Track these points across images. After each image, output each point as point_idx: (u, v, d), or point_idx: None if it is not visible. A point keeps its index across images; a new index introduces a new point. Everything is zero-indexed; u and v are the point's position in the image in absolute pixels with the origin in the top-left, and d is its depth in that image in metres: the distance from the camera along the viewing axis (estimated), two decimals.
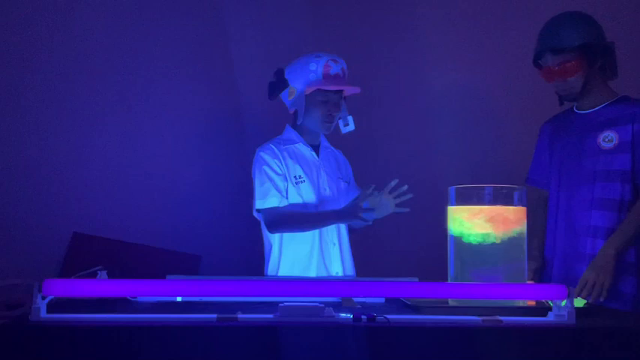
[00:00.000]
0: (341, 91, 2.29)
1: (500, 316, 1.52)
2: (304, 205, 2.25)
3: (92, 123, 2.88)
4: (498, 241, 1.68)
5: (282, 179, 2.24)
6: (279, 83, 2.30)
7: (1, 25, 2.83)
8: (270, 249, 2.29)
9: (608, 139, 2.08)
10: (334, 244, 2.29)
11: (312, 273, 2.24)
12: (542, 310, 1.57)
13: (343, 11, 3.04)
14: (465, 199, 1.75)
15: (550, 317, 1.53)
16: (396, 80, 3.00)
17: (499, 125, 2.97)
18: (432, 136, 3.01)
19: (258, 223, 2.36)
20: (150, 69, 2.92)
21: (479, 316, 1.51)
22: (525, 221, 1.75)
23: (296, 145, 2.32)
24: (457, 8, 3.07)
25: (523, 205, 1.75)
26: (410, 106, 3.03)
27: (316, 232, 2.25)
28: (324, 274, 2.25)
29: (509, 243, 1.68)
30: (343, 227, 2.34)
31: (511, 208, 1.71)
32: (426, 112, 3.02)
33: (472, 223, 1.70)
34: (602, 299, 1.99)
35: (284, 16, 2.99)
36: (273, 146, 2.29)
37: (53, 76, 2.85)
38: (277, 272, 2.25)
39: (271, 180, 2.22)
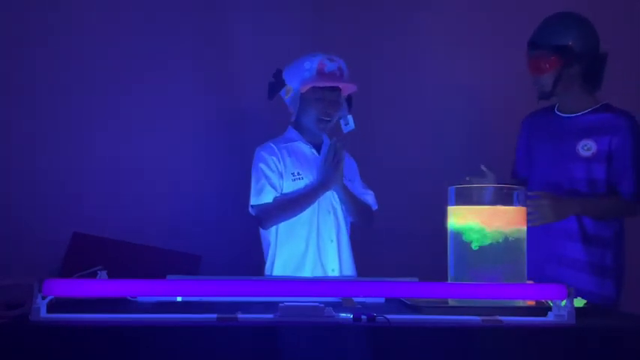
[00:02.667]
0: (338, 89, 2.30)
1: (500, 316, 1.52)
2: None
3: (92, 123, 2.88)
4: (498, 241, 1.68)
5: (278, 176, 2.25)
6: (276, 83, 2.33)
7: (5, 22, 2.83)
8: (268, 247, 2.30)
9: (586, 147, 2.10)
10: (332, 241, 2.29)
11: (307, 270, 2.24)
12: (542, 310, 1.57)
13: (345, 11, 3.04)
14: (464, 198, 1.75)
15: (550, 317, 1.53)
16: (397, 80, 3.00)
17: (499, 125, 2.97)
18: (432, 136, 3.01)
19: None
20: (150, 69, 2.92)
21: (479, 316, 1.51)
22: (525, 221, 1.75)
23: (295, 143, 2.34)
24: (459, 8, 3.07)
25: (523, 205, 1.75)
26: (410, 106, 3.03)
27: (314, 229, 2.26)
28: (319, 271, 2.25)
29: (509, 243, 1.68)
30: (342, 224, 2.34)
31: (511, 208, 1.71)
32: (427, 112, 3.02)
33: (472, 222, 1.70)
34: (536, 222, 2.01)
35: (286, 16, 2.99)
36: (272, 144, 2.32)
37: (53, 76, 2.85)
38: (272, 270, 2.26)
39: (267, 177, 2.24)
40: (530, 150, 2.27)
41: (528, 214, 1.95)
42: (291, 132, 2.37)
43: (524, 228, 1.74)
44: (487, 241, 1.68)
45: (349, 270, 2.33)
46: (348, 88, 2.34)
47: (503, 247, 1.68)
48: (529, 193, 2.00)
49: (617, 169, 2.07)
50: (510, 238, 1.68)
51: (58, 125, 2.86)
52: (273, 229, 2.27)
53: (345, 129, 2.36)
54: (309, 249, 2.25)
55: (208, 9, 2.98)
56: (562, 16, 2.17)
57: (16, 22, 2.84)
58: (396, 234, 2.86)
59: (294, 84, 2.29)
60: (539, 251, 2.14)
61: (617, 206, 2.08)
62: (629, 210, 2.09)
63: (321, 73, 2.25)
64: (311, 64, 2.25)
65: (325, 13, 3.02)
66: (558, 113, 2.23)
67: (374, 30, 3.04)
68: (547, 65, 2.11)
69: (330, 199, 2.31)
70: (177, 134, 2.94)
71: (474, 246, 1.68)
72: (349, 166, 2.45)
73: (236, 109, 2.98)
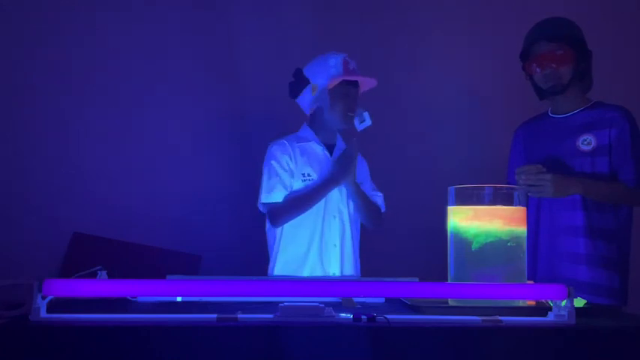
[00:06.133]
0: (358, 86, 2.32)
1: (500, 316, 1.52)
2: None
3: (93, 123, 2.88)
4: (498, 241, 1.68)
5: (289, 175, 2.25)
6: (299, 81, 2.32)
7: (4, 25, 2.83)
8: (272, 248, 2.30)
9: (586, 142, 2.12)
10: (335, 246, 2.28)
11: (306, 273, 2.23)
12: (542, 310, 1.57)
13: (345, 13, 3.04)
14: (464, 199, 1.75)
15: (550, 317, 1.53)
16: (396, 80, 3.00)
17: (500, 126, 2.97)
18: (433, 136, 3.01)
19: (258, 223, 2.36)
20: (149, 69, 2.92)
21: (479, 316, 1.51)
22: (525, 221, 1.75)
23: (309, 143, 2.34)
24: (460, 7, 3.08)
25: (523, 205, 1.75)
26: (411, 105, 3.03)
27: (317, 232, 2.26)
28: (319, 274, 2.25)
29: (509, 243, 1.68)
30: (348, 229, 2.32)
31: (511, 208, 1.71)
32: (427, 111, 3.02)
33: (472, 223, 1.70)
34: (536, 195, 2.04)
35: (289, 16, 2.99)
36: (285, 142, 2.32)
37: (53, 76, 2.85)
38: (274, 270, 2.27)
39: (278, 175, 2.24)
40: (528, 157, 2.28)
41: (529, 185, 1.99)
42: (306, 130, 2.37)
43: (524, 228, 1.74)
44: (487, 241, 1.68)
45: (351, 274, 2.33)
46: (366, 85, 2.36)
47: (503, 247, 1.68)
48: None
49: (617, 159, 2.08)
50: (510, 238, 1.68)
51: (59, 125, 2.85)
52: (279, 229, 2.27)
53: (360, 126, 2.34)
54: (310, 252, 2.25)
55: (211, 7, 2.97)
56: (563, 18, 2.21)
57: (16, 23, 2.84)
58: (396, 234, 2.86)
59: (321, 81, 2.29)
60: (550, 251, 2.16)
61: (619, 191, 2.08)
62: (632, 197, 2.09)
63: (347, 70, 2.28)
64: (336, 61, 2.28)
65: (326, 13, 3.02)
66: (553, 116, 2.25)
67: (375, 30, 3.04)
68: (569, 56, 2.14)
69: (337, 202, 2.31)
70: (177, 134, 2.94)
71: (474, 246, 1.68)
72: (360, 166, 2.45)
73: (237, 110, 2.98)
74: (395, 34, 3.05)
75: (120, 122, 2.90)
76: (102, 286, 1.52)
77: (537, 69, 2.18)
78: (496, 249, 1.67)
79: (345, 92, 2.29)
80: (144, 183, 2.88)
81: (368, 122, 2.32)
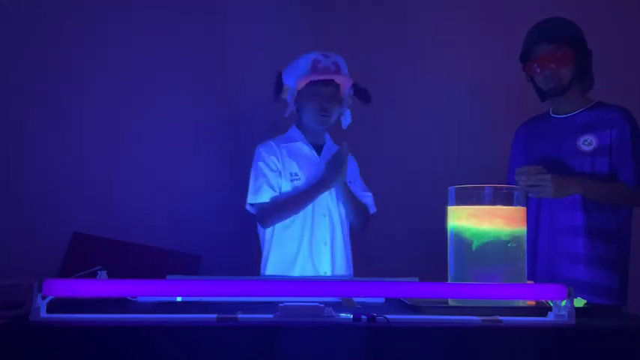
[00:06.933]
0: (334, 84, 2.30)
1: (500, 316, 1.52)
2: None
3: (93, 123, 2.88)
4: (498, 241, 1.68)
5: (277, 175, 2.27)
6: (277, 83, 2.36)
7: (4, 25, 2.83)
8: (264, 245, 2.32)
9: (587, 142, 2.13)
10: (325, 244, 2.29)
11: (297, 272, 2.24)
12: (542, 310, 1.57)
13: (345, 13, 3.04)
14: (464, 199, 1.75)
15: (550, 317, 1.54)
16: (396, 79, 3.00)
17: (500, 125, 2.97)
18: (433, 136, 3.01)
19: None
20: (150, 69, 2.92)
21: (479, 316, 1.51)
22: (525, 221, 1.75)
23: (296, 143, 2.34)
24: (464, 6, 3.08)
25: (523, 205, 1.75)
26: (410, 106, 3.03)
27: (307, 231, 2.27)
28: (310, 273, 2.25)
29: (509, 243, 1.68)
30: (338, 227, 2.33)
31: (511, 208, 1.71)
32: (427, 111, 3.02)
33: (472, 223, 1.70)
34: (536, 195, 2.05)
35: (288, 17, 2.99)
36: (272, 142, 2.34)
37: (53, 75, 2.85)
38: (265, 269, 2.28)
39: (265, 176, 2.26)
40: (528, 156, 2.28)
41: (529, 186, 1.99)
42: (294, 131, 2.38)
43: (524, 228, 1.74)
44: (487, 241, 1.68)
45: (343, 273, 2.33)
46: (345, 83, 2.33)
47: (503, 247, 1.68)
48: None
49: (617, 159, 2.09)
50: (510, 238, 1.68)
51: (59, 125, 2.85)
52: (269, 228, 2.28)
53: (345, 124, 2.37)
54: (301, 251, 2.26)
55: (206, 10, 2.97)
56: (562, 18, 2.21)
57: (16, 23, 2.84)
58: (396, 234, 2.86)
59: (291, 82, 2.31)
60: (550, 251, 2.16)
61: (619, 192, 2.08)
62: (632, 197, 2.10)
63: (315, 69, 2.26)
64: (305, 62, 2.27)
65: (324, 12, 3.02)
66: (554, 116, 2.26)
67: (375, 30, 3.04)
68: (569, 57, 2.14)
69: (327, 201, 2.31)
70: (177, 134, 2.94)
71: (474, 246, 1.68)
72: (350, 166, 2.45)
73: (238, 110, 2.98)
74: (395, 34, 3.05)
75: (120, 122, 2.89)
76: (102, 286, 1.52)
77: (538, 70, 2.18)
78: (496, 249, 1.67)
79: (314, 92, 2.27)
80: (144, 183, 2.88)
81: (348, 120, 2.36)
